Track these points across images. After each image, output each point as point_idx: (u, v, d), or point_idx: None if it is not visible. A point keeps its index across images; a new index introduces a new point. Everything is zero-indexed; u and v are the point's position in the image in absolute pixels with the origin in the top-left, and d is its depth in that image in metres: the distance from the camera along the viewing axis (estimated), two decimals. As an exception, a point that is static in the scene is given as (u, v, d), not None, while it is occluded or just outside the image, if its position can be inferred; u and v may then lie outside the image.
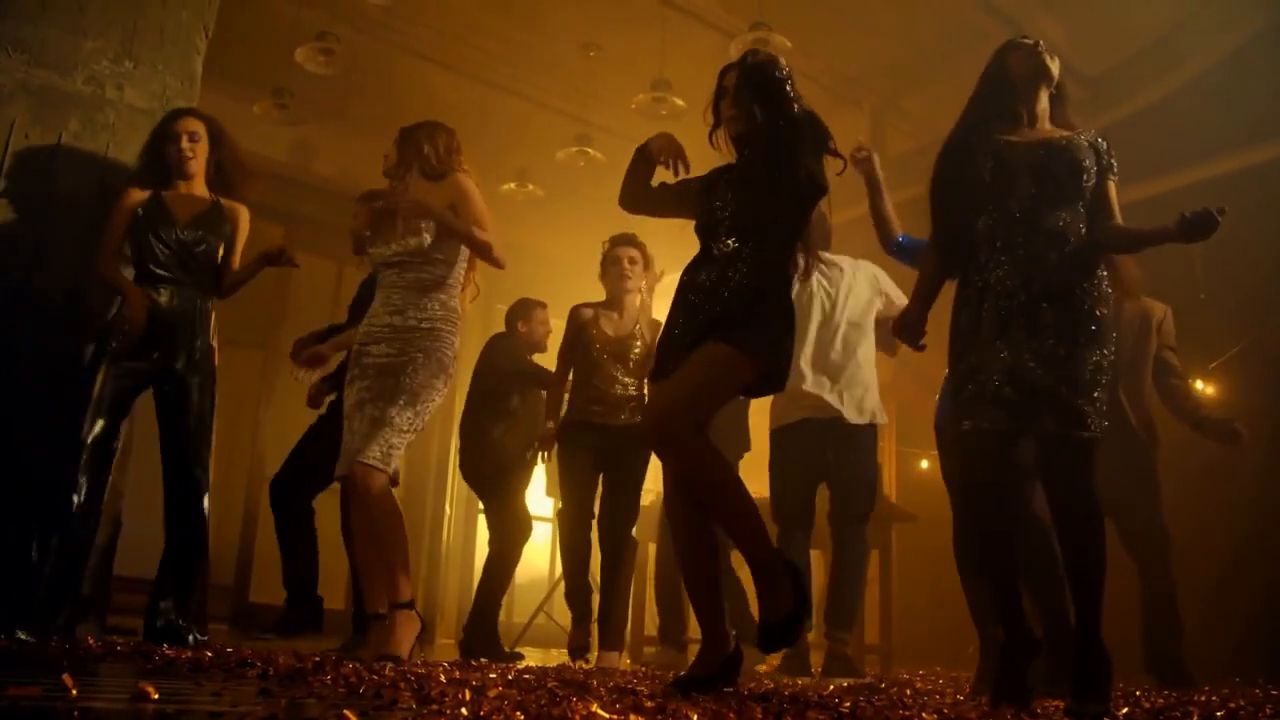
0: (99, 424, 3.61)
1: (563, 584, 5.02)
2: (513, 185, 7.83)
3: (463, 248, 3.63)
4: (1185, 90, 6.13)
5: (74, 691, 1.71)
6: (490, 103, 7.33)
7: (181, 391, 3.76)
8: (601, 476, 4.81)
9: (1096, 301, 2.77)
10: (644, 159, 3.11)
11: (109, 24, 4.10)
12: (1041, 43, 3.03)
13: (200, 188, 3.94)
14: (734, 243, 2.86)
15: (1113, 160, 2.94)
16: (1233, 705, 2.76)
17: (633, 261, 4.85)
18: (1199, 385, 5.38)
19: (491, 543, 5.27)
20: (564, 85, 7.45)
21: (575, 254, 5.07)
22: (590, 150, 7.32)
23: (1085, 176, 2.85)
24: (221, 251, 3.94)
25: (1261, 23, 5.84)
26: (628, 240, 4.90)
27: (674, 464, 2.78)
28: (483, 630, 5.03)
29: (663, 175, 3.13)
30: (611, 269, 4.86)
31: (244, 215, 4.02)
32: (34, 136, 3.91)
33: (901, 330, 3.10)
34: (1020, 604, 2.83)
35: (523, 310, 5.58)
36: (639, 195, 3.13)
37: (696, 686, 2.63)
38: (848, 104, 7.24)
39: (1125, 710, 2.62)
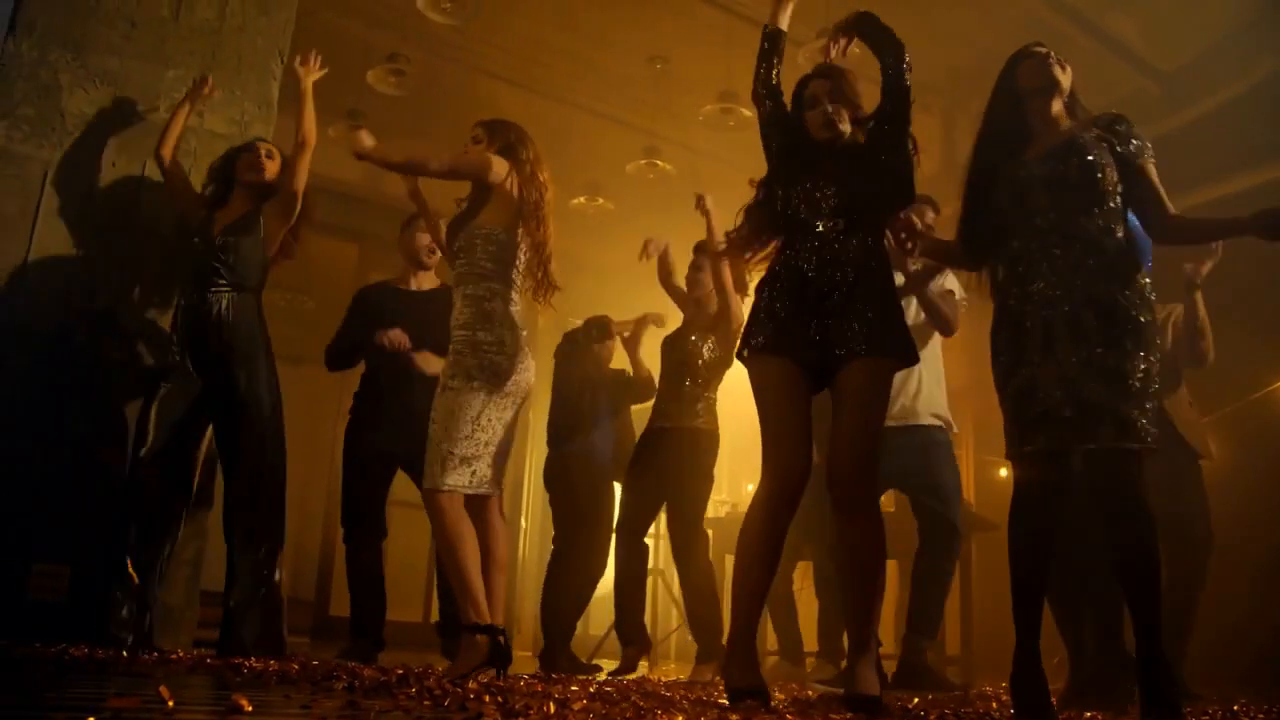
0: (160, 440, 3.67)
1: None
2: (583, 199, 7.87)
3: (497, 235, 3.40)
4: (1265, 84, 5.97)
5: (171, 703, 1.75)
6: (559, 118, 7.38)
7: (232, 403, 3.77)
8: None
9: (1140, 307, 2.70)
10: (773, 34, 3.18)
11: (189, 54, 4.22)
12: (1052, 53, 2.97)
13: (247, 200, 3.97)
14: (839, 223, 2.87)
15: (1137, 141, 2.83)
16: None
17: (698, 269, 4.89)
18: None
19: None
20: (631, 99, 7.48)
21: (646, 266, 5.06)
22: (659, 163, 7.33)
23: (1101, 174, 2.76)
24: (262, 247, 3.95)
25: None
26: (700, 248, 4.91)
27: (852, 525, 2.76)
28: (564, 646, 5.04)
29: None
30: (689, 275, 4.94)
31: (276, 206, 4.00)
32: (120, 165, 4.04)
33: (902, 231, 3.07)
34: (1040, 622, 2.85)
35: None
36: (769, 81, 3.14)
37: (755, 695, 2.64)
38: (917, 109, 7.10)
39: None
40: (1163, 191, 2.80)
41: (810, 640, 5.11)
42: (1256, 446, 5.16)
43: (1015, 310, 2.79)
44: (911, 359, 2.84)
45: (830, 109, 2.97)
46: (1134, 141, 2.83)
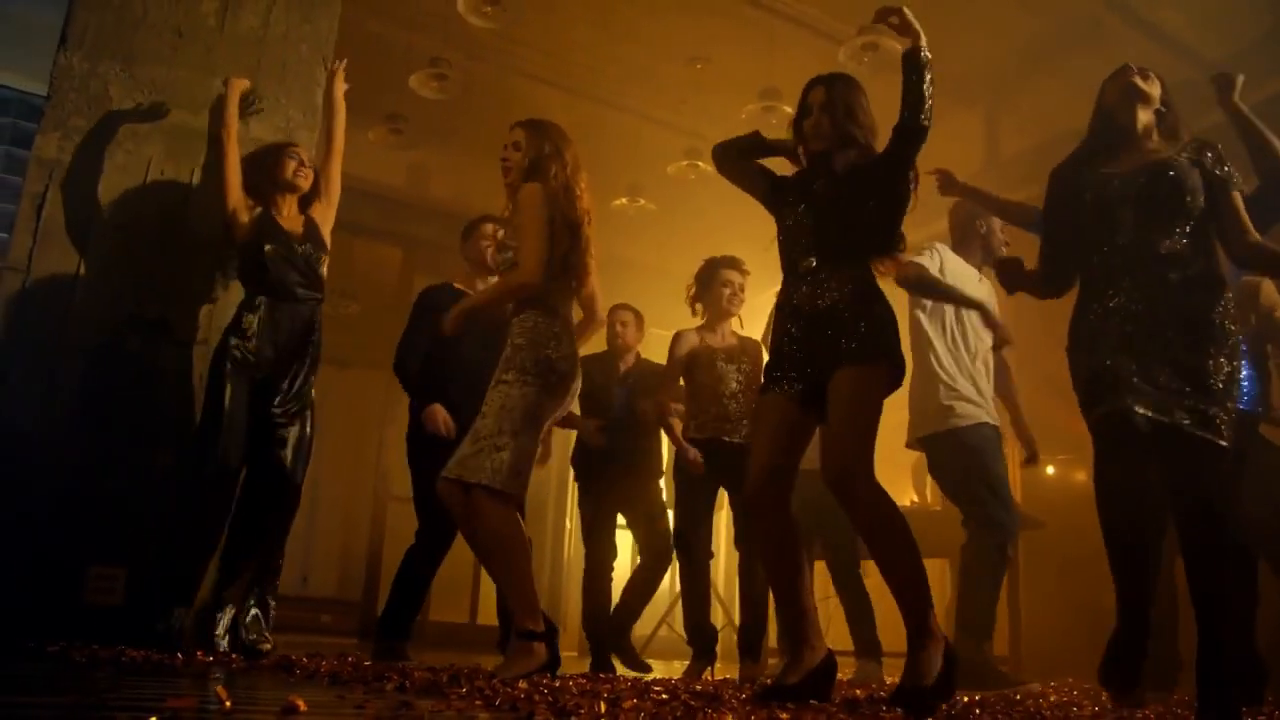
0: (235, 451, 3.69)
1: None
2: (624, 200, 7.87)
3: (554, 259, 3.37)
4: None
5: (228, 703, 1.78)
6: (600, 119, 7.40)
7: (289, 410, 3.80)
8: (726, 492, 4.76)
9: (1225, 317, 2.70)
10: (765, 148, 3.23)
11: (235, 62, 4.27)
12: (1133, 66, 2.98)
13: (294, 206, 4.05)
14: (816, 261, 2.93)
15: (1228, 171, 2.84)
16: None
17: (742, 289, 4.87)
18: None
19: (642, 557, 5.24)
20: (672, 99, 7.48)
21: (688, 267, 5.07)
22: (700, 163, 7.32)
23: (1189, 197, 2.77)
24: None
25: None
26: (737, 265, 4.89)
27: (861, 518, 2.79)
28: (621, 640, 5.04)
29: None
30: (722, 290, 4.83)
31: (323, 212, 4.13)
32: (169, 173, 4.09)
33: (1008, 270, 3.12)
34: (1148, 601, 2.77)
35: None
36: (736, 161, 3.28)
37: (783, 695, 2.67)
38: (960, 104, 7.12)
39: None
40: (1246, 219, 2.79)
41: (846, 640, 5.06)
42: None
43: (1095, 325, 2.79)
44: (898, 371, 2.87)
45: (813, 122, 3.05)
46: (1225, 167, 2.83)
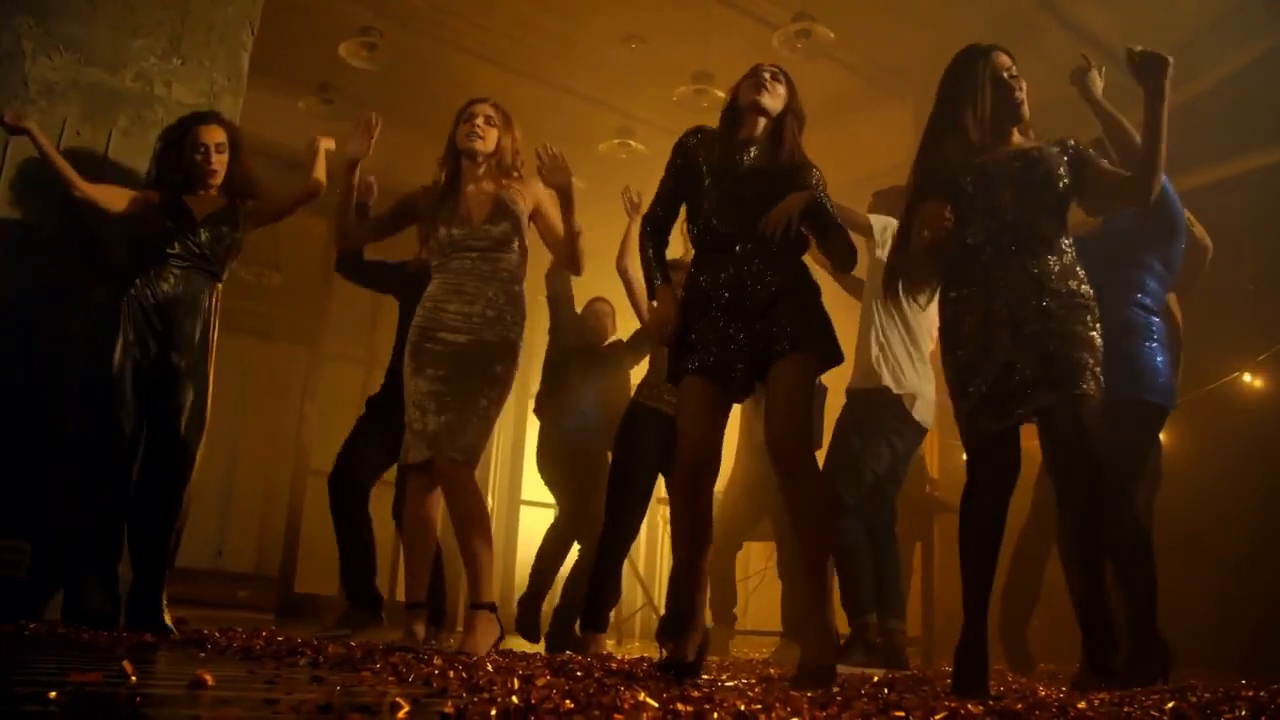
0: (129, 421, 3.63)
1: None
2: (554, 177, 7.83)
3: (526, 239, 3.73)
4: (1235, 79, 6.04)
5: (134, 678, 1.74)
6: (531, 96, 7.34)
7: (177, 380, 3.68)
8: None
9: (1090, 296, 2.93)
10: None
11: (157, 22, 4.16)
12: (1023, 86, 3.07)
13: (215, 193, 3.92)
14: (747, 243, 2.97)
15: (1089, 149, 3.07)
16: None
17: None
18: (1247, 378, 5.30)
19: (583, 540, 5.18)
20: (605, 78, 7.45)
21: (617, 245, 5.07)
22: (632, 142, 7.31)
23: (1061, 184, 2.97)
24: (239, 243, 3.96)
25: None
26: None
27: (796, 491, 2.88)
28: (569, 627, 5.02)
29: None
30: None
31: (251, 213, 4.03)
32: (85, 134, 3.97)
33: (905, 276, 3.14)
34: (988, 601, 2.94)
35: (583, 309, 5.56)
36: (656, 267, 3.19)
37: (686, 671, 2.77)
38: (890, 94, 7.18)
39: (1172, 705, 2.58)
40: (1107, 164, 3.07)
41: (776, 622, 5.12)
42: (1219, 436, 5.24)
43: (979, 298, 2.93)
44: (835, 358, 2.96)
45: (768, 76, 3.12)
46: (1088, 149, 3.08)
